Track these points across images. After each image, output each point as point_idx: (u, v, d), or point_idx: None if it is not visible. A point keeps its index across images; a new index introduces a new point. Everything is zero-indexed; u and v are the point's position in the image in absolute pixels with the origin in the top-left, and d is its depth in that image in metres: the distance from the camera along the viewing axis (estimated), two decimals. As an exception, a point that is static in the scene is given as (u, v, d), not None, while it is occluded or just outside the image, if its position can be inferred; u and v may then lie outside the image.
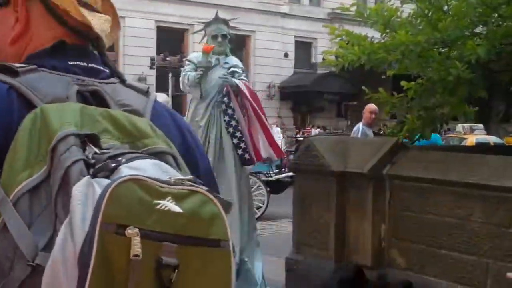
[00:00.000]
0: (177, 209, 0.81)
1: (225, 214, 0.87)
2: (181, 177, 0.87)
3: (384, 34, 5.28)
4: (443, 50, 5.15)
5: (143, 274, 0.77)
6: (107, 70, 1.10)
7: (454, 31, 4.69)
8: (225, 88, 5.36)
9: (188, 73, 5.45)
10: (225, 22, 5.56)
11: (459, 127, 19.89)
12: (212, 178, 1.16)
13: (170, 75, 23.38)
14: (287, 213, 8.52)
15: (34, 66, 1.01)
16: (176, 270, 0.79)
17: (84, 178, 0.81)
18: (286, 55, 30.03)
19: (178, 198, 0.82)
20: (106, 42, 1.13)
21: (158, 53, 26.06)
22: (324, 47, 28.47)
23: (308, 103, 30.88)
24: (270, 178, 11.50)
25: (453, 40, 4.79)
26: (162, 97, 12.31)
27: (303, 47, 31.71)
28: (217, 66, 5.48)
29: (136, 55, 26.10)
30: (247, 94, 5.39)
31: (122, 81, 1.10)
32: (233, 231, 5.23)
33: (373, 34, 5.43)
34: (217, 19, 5.53)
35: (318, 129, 26.55)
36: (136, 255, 0.76)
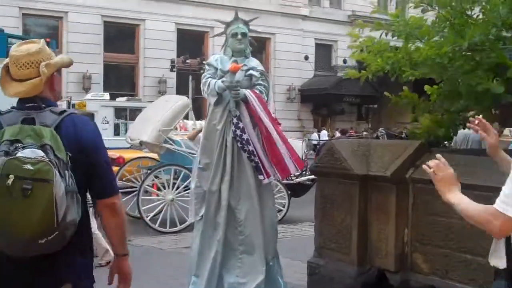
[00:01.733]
0: (30, 168, 2.22)
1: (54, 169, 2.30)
2: (40, 155, 2.27)
3: (408, 44, 5.22)
4: (466, 54, 5.08)
5: (15, 192, 2.22)
6: (43, 105, 2.50)
7: (480, 37, 4.61)
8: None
9: (208, 80, 5.31)
10: (245, 22, 5.53)
11: (507, 130, 19.49)
12: (93, 156, 2.55)
13: (190, 77, 23.45)
14: (308, 217, 8.49)
15: (10, 108, 2.55)
16: (30, 191, 2.21)
17: (0, 158, 2.28)
18: (306, 57, 29.96)
19: (33, 163, 2.24)
20: (39, 90, 2.52)
21: (178, 55, 26.15)
22: (345, 49, 28.40)
23: (328, 106, 30.79)
24: (291, 181, 11.43)
25: (478, 45, 4.72)
26: (182, 100, 12.35)
27: (324, 49, 31.66)
28: None
29: (156, 57, 26.25)
30: (255, 106, 5.22)
31: (50, 110, 2.49)
32: (256, 237, 5.21)
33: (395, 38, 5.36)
34: (237, 19, 5.49)
35: (365, 132, 24.79)
36: (9, 184, 2.23)
